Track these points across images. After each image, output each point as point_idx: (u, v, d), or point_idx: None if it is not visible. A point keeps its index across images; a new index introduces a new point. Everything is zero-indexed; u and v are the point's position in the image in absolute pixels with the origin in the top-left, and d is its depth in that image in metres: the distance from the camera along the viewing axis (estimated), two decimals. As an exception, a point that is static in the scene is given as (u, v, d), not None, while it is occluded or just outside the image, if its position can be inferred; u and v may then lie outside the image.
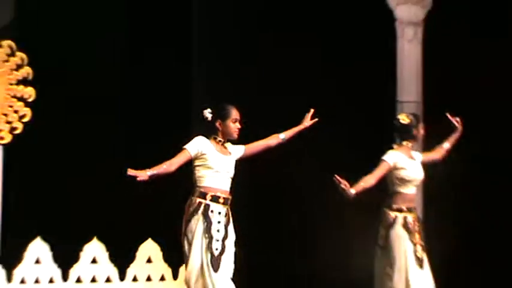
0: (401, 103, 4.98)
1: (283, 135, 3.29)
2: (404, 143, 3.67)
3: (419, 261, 3.47)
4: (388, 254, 3.50)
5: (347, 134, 5.00)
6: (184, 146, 3.04)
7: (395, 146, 3.68)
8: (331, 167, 3.56)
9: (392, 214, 3.56)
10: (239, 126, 3.14)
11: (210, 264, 2.90)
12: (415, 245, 3.50)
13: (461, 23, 4.91)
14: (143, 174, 2.84)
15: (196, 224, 2.93)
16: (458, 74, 4.90)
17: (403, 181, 3.55)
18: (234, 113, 3.14)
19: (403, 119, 3.70)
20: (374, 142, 4.31)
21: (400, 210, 3.58)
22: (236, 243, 3.05)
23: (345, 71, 5.06)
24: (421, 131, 3.77)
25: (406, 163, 3.58)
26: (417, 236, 3.54)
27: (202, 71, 5.27)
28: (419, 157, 3.74)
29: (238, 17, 5.23)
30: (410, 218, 3.58)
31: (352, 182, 3.41)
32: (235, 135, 3.15)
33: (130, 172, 2.81)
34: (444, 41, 4.93)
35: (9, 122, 5.16)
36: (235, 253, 3.05)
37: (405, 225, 3.53)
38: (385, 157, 3.55)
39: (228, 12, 5.26)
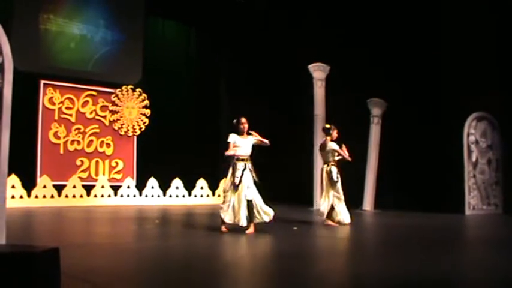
0: (316, 115, 10.92)
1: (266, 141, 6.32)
2: (328, 137, 7.85)
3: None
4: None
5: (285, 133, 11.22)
6: (228, 140, 6.19)
7: (327, 138, 7.90)
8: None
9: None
10: (243, 126, 6.32)
11: (233, 187, 6.12)
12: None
13: (341, 79, 10.69)
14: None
15: (230, 169, 6.20)
16: (340, 102, 10.77)
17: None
18: (242, 120, 6.38)
19: (327, 125, 8.15)
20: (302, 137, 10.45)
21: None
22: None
23: (287, 102, 11.34)
24: (335, 133, 7.82)
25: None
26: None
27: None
28: (333, 144, 7.91)
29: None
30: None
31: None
32: (244, 131, 6.29)
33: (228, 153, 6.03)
34: (334, 87, 10.80)
35: (139, 125, 11.79)
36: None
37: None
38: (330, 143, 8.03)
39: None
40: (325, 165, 7.39)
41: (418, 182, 10.01)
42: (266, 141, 6.29)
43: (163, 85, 12.02)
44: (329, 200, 7.25)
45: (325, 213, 7.28)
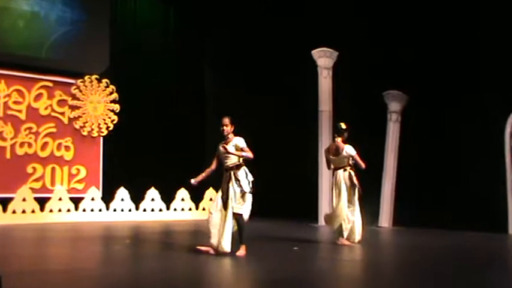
0: (321, 111, 10.93)
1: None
2: (340, 138, 7.73)
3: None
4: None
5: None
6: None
7: (337, 140, 7.74)
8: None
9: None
10: (223, 129, 6.29)
11: (218, 204, 6.18)
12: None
13: (353, 69, 10.70)
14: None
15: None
16: (352, 96, 10.78)
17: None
18: (222, 121, 6.29)
19: (342, 124, 7.73)
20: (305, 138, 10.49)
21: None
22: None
23: (290, 94, 11.32)
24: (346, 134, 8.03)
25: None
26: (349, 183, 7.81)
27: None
28: (350, 148, 7.85)
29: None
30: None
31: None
32: (223, 134, 6.33)
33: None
34: (344, 78, 10.80)
35: (106, 124, 11.74)
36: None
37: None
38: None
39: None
40: (341, 171, 7.44)
41: (447, 193, 10.02)
42: (245, 154, 6.18)
43: (136, 75, 12.00)
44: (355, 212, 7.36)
45: (357, 232, 7.34)
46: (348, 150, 7.46)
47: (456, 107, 10.07)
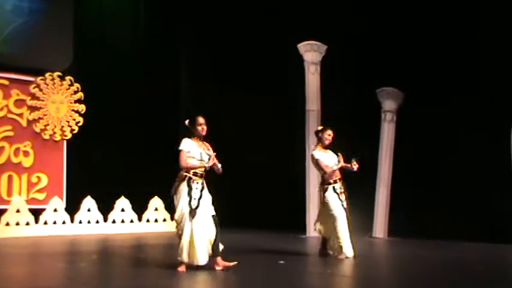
0: (308, 111, 11.00)
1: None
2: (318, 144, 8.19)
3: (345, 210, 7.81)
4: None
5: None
6: (180, 147, 6.11)
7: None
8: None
9: (325, 186, 7.84)
10: (202, 128, 6.22)
11: (189, 214, 6.04)
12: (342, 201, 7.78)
13: (343, 64, 10.78)
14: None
15: (182, 189, 6.13)
16: (342, 94, 10.89)
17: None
18: (200, 120, 6.24)
19: (319, 127, 8.35)
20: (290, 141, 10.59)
21: (329, 183, 7.76)
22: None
23: (274, 93, 11.47)
24: (327, 135, 7.80)
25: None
26: (343, 195, 7.84)
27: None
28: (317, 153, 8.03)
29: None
30: (337, 186, 7.72)
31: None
32: (202, 133, 6.23)
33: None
34: (333, 74, 10.90)
35: (70, 126, 11.72)
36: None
37: (334, 191, 7.78)
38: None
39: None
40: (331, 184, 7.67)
41: (447, 200, 10.04)
42: (219, 166, 6.27)
43: (103, 72, 11.98)
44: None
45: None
46: (315, 155, 7.63)
47: (457, 106, 10.11)
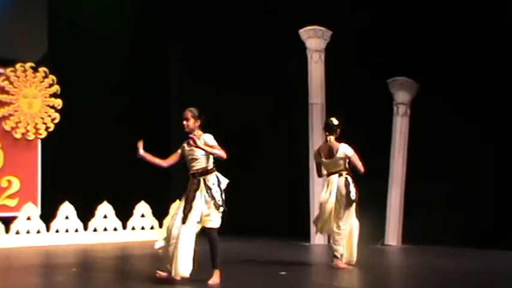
0: (311, 104, 10.94)
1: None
2: (332, 137, 7.88)
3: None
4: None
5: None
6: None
7: (330, 139, 7.89)
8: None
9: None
10: (183, 124, 6.38)
11: (181, 219, 6.15)
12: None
13: (350, 51, 10.77)
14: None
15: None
16: (349, 85, 10.84)
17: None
18: (184, 115, 6.44)
19: (333, 119, 7.85)
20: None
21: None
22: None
23: (274, 85, 11.37)
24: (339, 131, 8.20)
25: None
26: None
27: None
28: (346, 147, 7.97)
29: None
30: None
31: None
32: (185, 130, 6.39)
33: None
34: (338, 63, 10.83)
35: (45, 123, 11.60)
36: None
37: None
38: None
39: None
40: (336, 176, 7.58)
41: (471, 202, 10.00)
42: (217, 151, 6.26)
43: (82, 63, 11.84)
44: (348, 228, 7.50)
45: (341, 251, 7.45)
46: (344, 149, 7.58)
47: (479, 98, 10.09)
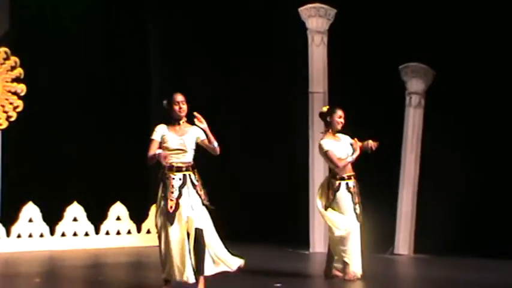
0: (312, 93, 10.78)
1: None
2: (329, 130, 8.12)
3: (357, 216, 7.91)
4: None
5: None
6: (152, 136, 6.32)
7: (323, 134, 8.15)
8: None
9: (337, 182, 7.87)
10: (180, 107, 6.31)
11: (166, 219, 6.13)
12: (355, 204, 7.89)
13: (356, 33, 10.61)
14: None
15: (160, 188, 6.33)
16: (355, 71, 10.65)
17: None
18: (178, 98, 6.36)
19: (324, 108, 8.13)
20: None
21: (342, 179, 7.89)
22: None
23: (270, 71, 11.18)
24: (337, 118, 7.75)
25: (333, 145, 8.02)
26: (356, 197, 7.91)
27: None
28: (346, 139, 8.03)
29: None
30: (350, 183, 7.90)
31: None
32: (181, 116, 6.31)
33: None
34: (343, 46, 10.68)
35: (5, 112, 11.36)
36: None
37: (348, 189, 7.89)
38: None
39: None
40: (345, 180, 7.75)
41: (492, 207, 9.96)
42: (215, 143, 6.39)
43: (50, 43, 11.72)
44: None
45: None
46: (321, 146, 7.59)
47: (502, 87, 10.08)
